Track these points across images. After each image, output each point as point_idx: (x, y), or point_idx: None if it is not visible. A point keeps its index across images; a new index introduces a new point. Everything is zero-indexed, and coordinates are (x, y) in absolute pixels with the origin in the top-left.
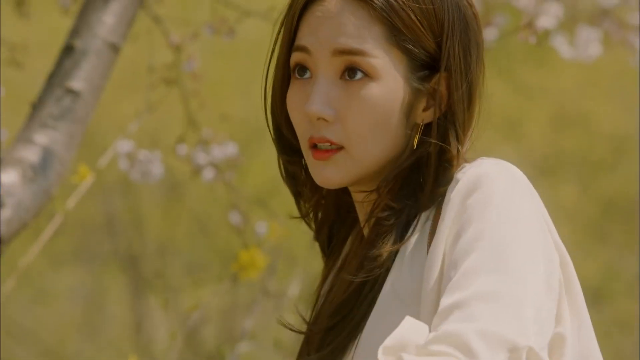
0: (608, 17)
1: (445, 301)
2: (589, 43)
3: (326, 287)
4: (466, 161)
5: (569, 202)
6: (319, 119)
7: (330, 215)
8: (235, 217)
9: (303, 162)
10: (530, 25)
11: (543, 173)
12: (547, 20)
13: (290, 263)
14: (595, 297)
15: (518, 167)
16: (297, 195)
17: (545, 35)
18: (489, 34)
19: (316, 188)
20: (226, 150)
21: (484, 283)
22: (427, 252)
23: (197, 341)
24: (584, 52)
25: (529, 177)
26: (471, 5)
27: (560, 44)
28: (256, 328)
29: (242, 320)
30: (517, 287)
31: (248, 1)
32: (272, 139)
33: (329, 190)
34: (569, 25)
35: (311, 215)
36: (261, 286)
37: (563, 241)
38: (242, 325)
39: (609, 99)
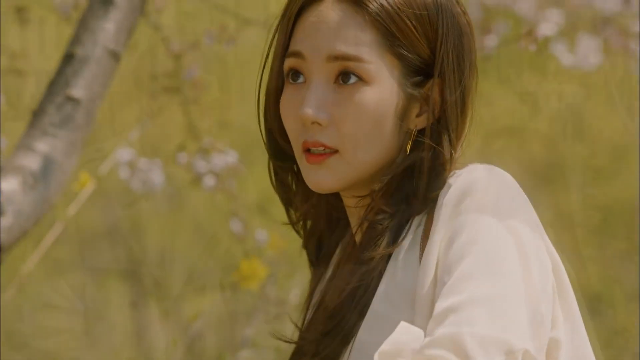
0: (609, 24)
1: (440, 305)
2: (590, 51)
3: (317, 296)
4: (457, 167)
5: (569, 209)
6: (313, 122)
7: (320, 225)
8: (236, 225)
9: (295, 168)
10: (530, 33)
11: (543, 180)
12: (547, 27)
13: (291, 270)
14: (596, 305)
15: (518, 174)
16: (287, 203)
17: (545, 42)
18: (490, 41)
19: (307, 197)
20: (226, 158)
21: (478, 287)
22: (420, 258)
23: (197, 349)
24: (585, 60)
25: (529, 185)
26: (465, 13)
27: (561, 52)
28: (257, 336)
29: (243, 328)
30: (511, 290)
31: (248, 9)
32: (264, 144)
33: (319, 200)
34: (569, 32)
35: (301, 223)
36: (262, 294)
37: (564, 248)
38: (242, 333)
39: (609, 106)
